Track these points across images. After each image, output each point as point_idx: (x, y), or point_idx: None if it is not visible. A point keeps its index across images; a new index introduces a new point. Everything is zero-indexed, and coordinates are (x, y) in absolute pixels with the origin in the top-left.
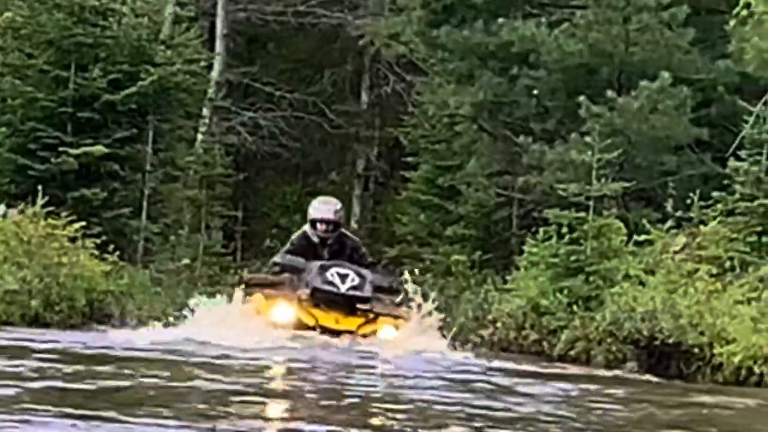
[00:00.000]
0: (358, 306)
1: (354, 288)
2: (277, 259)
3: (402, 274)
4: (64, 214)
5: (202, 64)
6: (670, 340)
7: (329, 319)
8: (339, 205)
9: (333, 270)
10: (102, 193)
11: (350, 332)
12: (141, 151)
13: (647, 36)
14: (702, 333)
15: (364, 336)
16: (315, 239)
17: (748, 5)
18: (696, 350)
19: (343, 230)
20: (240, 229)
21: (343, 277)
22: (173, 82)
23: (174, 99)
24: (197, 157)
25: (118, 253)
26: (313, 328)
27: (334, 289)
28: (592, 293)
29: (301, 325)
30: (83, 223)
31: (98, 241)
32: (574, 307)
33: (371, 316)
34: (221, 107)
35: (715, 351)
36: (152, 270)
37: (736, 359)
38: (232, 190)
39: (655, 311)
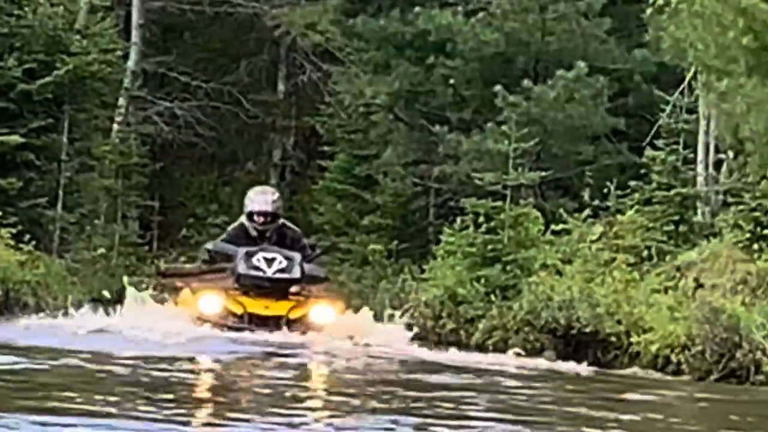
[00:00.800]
0: (288, 289)
1: (281, 270)
2: (209, 245)
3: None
4: None
5: (118, 53)
6: (588, 329)
7: (258, 305)
8: (276, 195)
9: (259, 255)
10: (18, 182)
11: (280, 317)
12: (57, 141)
13: (564, 25)
14: (619, 322)
15: (295, 320)
16: (253, 232)
17: None
18: (613, 339)
19: (282, 221)
20: (156, 218)
21: (270, 261)
22: (89, 72)
23: (90, 89)
24: (113, 147)
25: (33, 242)
26: (242, 317)
27: (261, 273)
28: (510, 282)
29: (231, 315)
30: None
31: (14, 230)
32: (492, 297)
33: (302, 298)
34: (137, 97)
35: (632, 339)
36: (68, 260)
37: (654, 348)
38: (149, 179)
39: (573, 300)
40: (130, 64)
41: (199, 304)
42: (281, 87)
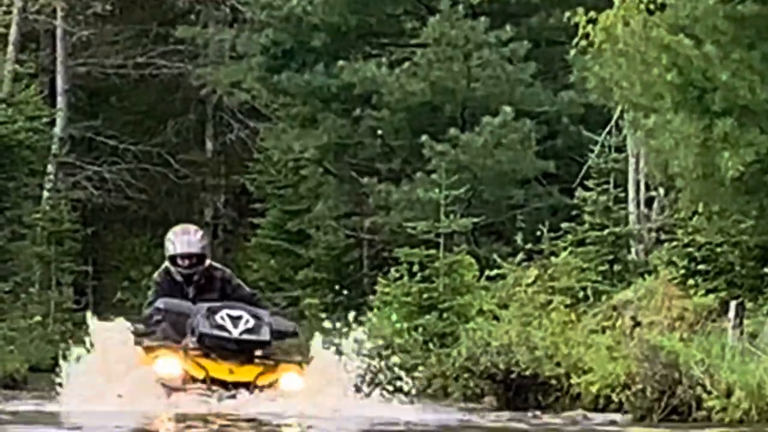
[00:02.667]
0: (255, 353)
1: (249, 331)
2: (157, 305)
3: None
4: None
5: (45, 120)
6: (527, 373)
7: (222, 370)
8: (200, 234)
9: (223, 312)
10: None
11: (247, 384)
12: None
13: (488, 71)
14: (558, 364)
15: (263, 388)
16: (178, 277)
17: (587, 35)
18: (553, 381)
19: (210, 262)
20: (91, 283)
21: (236, 320)
22: (16, 140)
23: (17, 157)
24: (44, 214)
25: None
26: (204, 381)
27: (226, 334)
28: (447, 329)
29: (190, 379)
30: None
31: None
32: (430, 345)
33: (271, 363)
34: (66, 163)
35: (572, 381)
36: (4, 329)
37: (594, 388)
38: (81, 244)
39: (511, 344)
40: (57, 130)
41: (155, 366)
42: (209, 146)
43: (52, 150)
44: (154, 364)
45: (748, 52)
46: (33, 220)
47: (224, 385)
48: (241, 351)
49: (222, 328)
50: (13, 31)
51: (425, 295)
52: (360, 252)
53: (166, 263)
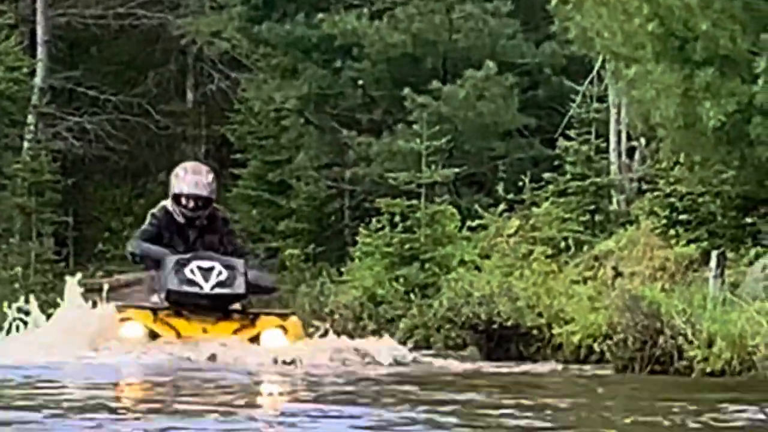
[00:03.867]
0: (231, 307)
1: (221, 284)
2: (131, 248)
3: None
4: None
5: (24, 71)
6: (509, 323)
7: (194, 329)
8: (211, 175)
9: (193, 264)
10: None
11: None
12: None
13: (471, 24)
14: (540, 314)
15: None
16: (180, 218)
17: None
18: (535, 331)
19: (215, 206)
20: (72, 234)
21: (207, 272)
22: None
23: None
24: (24, 165)
25: None
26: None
27: (197, 290)
28: (429, 280)
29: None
30: None
31: None
32: (411, 295)
33: (248, 318)
34: (46, 113)
35: (554, 331)
36: None
37: (576, 339)
38: (62, 196)
39: (492, 295)
40: (38, 80)
41: (120, 329)
42: (190, 96)
43: (32, 101)
44: (121, 327)
45: (730, 1)
46: (13, 171)
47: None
48: (214, 307)
49: (192, 282)
50: None
51: (406, 246)
52: (341, 202)
53: (167, 201)
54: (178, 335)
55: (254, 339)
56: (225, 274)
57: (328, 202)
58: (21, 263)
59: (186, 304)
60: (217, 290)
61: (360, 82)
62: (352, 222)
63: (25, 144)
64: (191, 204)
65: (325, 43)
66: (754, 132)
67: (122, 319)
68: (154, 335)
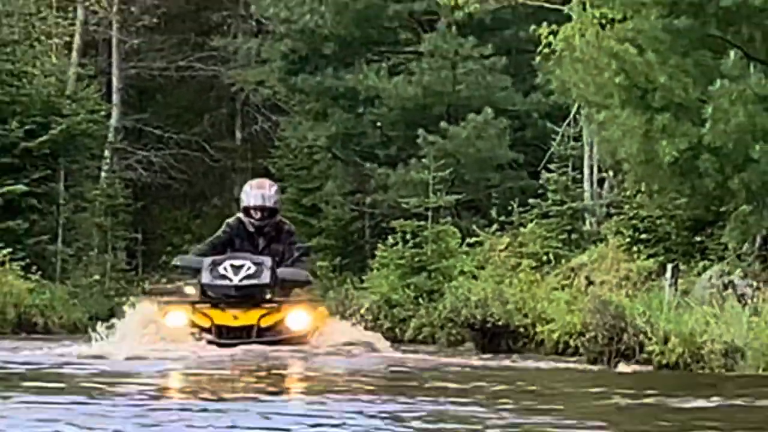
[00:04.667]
0: (258, 296)
1: (249, 277)
2: (174, 261)
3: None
4: None
5: (102, 113)
6: (500, 323)
7: (226, 317)
8: (274, 188)
9: (226, 263)
10: (24, 224)
11: (250, 327)
12: (55, 188)
13: (471, 78)
14: (526, 315)
15: (268, 329)
16: (250, 228)
17: (549, 45)
18: (522, 330)
19: (280, 215)
20: (140, 248)
21: (237, 268)
22: (79, 130)
23: (80, 143)
24: (102, 191)
25: (39, 272)
26: (209, 330)
27: (227, 282)
28: (434, 287)
29: (198, 329)
30: (9, 250)
31: (23, 263)
32: (420, 300)
33: (274, 305)
34: (119, 148)
35: (537, 330)
36: (69, 286)
37: (555, 336)
38: (132, 216)
39: (487, 299)
40: (113, 121)
41: (165, 320)
42: (238, 135)
43: (108, 138)
44: (164, 317)
45: (683, 59)
46: (93, 196)
47: (229, 330)
48: (243, 296)
49: (223, 277)
50: (77, 40)
51: (416, 259)
52: (363, 223)
53: (240, 213)
54: (212, 323)
55: (280, 322)
56: (253, 268)
57: (351, 222)
58: (99, 272)
59: (218, 297)
60: (245, 282)
61: (379, 124)
62: (372, 239)
63: (103, 174)
64: (258, 215)
65: (349, 93)
66: (702, 166)
67: (165, 312)
68: (193, 324)
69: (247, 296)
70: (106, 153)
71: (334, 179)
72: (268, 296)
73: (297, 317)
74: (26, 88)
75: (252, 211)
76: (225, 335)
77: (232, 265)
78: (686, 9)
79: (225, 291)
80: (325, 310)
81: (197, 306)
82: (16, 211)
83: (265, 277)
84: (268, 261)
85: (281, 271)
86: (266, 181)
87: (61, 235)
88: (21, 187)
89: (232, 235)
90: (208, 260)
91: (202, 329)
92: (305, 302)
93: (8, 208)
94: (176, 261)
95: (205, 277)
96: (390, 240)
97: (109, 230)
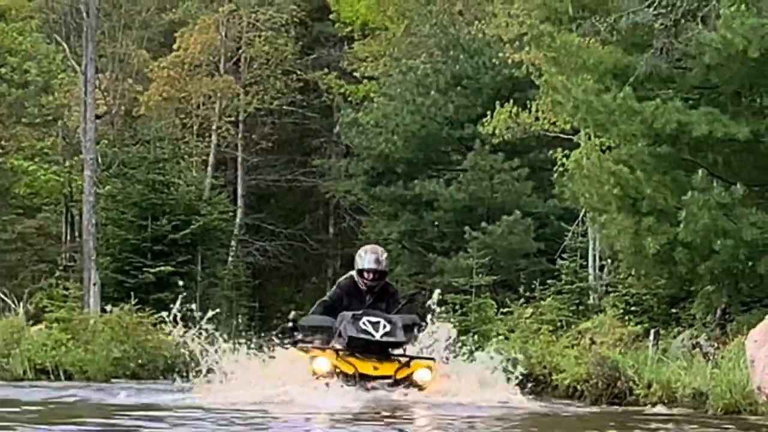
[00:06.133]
0: (392, 351)
1: (387, 334)
2: (300, 321)
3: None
4: (147, 309)
5: (230, 213)
6: (525, 372)
7: (368, 366)
8: (384, 255)
9: (365, 319)
10: (170, 296)
11: (388, 377)
12: (194, 269)
13: (504, 187)
14: (545, 367)
15: (401, 381)
16: (362, 287)
17: (563, 164)
18: (541, 377)
19: (387, 281)
20: (257, 314)
21: (375, 325)
22: (212, 226)
23: (213, 236)
24: (228, 271)
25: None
26: (353, 376)
27: (370, 337)
28: (476, 345)
29: (341, 374)
30: (159, 315)
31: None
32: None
33: (405, 360)
34: (243, 240)
35: (553, 378)
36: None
37: (566, 382)
38: (252, 291)
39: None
40: (238, 220)
41: (313, 364)
42: (331, 230)
43: (234, 232)
44: (312, 362)
45: (663, 176)
46: (222, 275)
47: (368, 378)
48: (380, 350)
49: (366, 332)
50: (211, 158)
51: (463, 323)
52: (425, 298)
53: (353, 273)
54: (356, 370)
55: (409, 376)
56: (389, 327)
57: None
58: (226, 332)
59: (358, 348)
60: (385, 338)
61: (436, 223)
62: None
63: (230, 258)
64: (371, 276)
65: (415, 199)
66: (677, 257)
67: (312, 357)
68: (335, 369)
69: (384, 350)
70: (233, 243)
71: (402, 264)
72: (399, 351)
73: (424, 373)
74: (173, 195)
75: (366, 273)
76: (365, 382)
77: (369, 321)
78: (666, 139)
79: (366, 345)
80: (437, 366)
81: (341, 354)
82: (165, 286)
83: (401, 336)
84: (398, 320)
85: (401, 317)
86: (378, 248)
87: (198, 304)
88: (168, 268)
89: (343, 294)
90: (348, 314)
91: (346, 375)
92: (430, 361)
93: (159, 284)
94: (302, 321)
95: (350, 330)
96: (445, 310)
97: (234, 301)
